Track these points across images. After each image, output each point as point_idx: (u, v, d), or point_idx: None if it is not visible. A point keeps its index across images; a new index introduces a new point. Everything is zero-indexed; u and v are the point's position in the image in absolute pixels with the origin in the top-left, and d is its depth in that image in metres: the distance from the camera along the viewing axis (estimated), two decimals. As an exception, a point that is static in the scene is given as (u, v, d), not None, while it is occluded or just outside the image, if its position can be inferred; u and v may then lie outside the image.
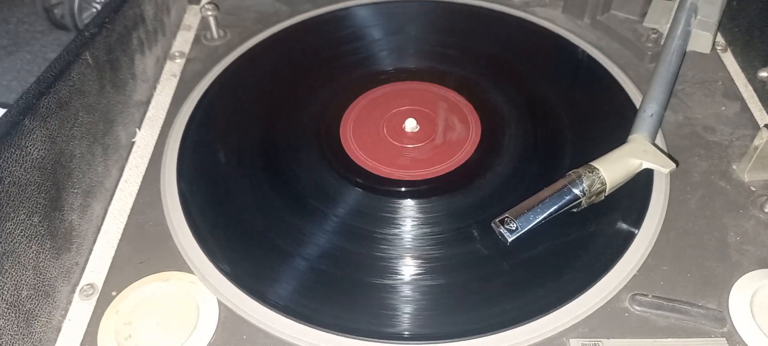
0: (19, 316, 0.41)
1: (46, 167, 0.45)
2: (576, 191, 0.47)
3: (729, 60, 0.67)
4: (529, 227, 0.46)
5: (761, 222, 0.50)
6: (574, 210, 0.48)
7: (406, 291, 0.46)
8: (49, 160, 0.46)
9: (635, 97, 0.61)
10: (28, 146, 0.43)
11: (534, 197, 0.47)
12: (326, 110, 0.62)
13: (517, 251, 0.47)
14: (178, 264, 0.48)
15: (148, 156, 0.58)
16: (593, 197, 0.48)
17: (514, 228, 0.46)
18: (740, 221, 0.50)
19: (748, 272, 0.46)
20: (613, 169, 0.48)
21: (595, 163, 0.49)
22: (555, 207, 0.47)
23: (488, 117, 0.60)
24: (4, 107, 0.61)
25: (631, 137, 0.53)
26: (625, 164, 0.49)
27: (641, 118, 0.54)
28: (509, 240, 0.46)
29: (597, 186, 0.48)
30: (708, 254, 0.47)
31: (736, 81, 0.64)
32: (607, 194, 0.49)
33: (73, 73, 0.50)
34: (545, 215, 0.46)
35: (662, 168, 0.50)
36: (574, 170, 0.49)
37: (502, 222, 0.46)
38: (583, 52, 0.68)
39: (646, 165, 0.50)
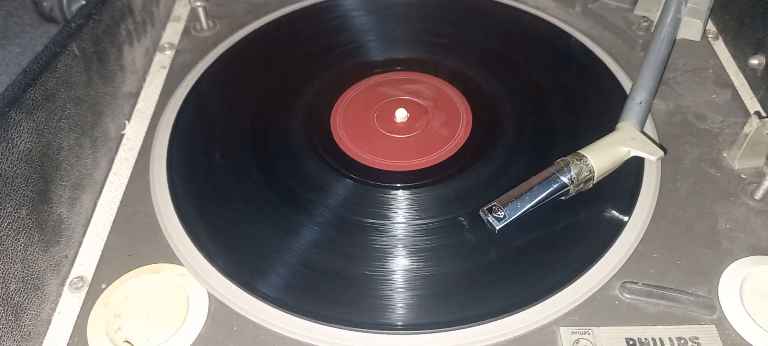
0: (7, 309, 0.41)
1: (33, 160, 0.45)
2: (564, 179, 0.47)
3: (720, 48, 0.67)
4: (517, 215, 0.46)
5: (751, 209, 0.50)
6: (563, 198, 0.48)
7: (397, 281, 0.46)
8: (37, 153, 0.45)
9: (626, 85, 0.61)
10: (14, 138, 0.43)
11: (522, 185, 0.47)
12: (316, 101, 0.62)
13: (508, 240, 0.47)
14: (168, 256, 0.48)
15: (138, 148, 0.57)
16: (581, 185, 0.48)
17: (502, 216, 0.46)
18: (730, 209, 0.50)
19: (737, 259, 0.46)
20: (601, 156, 0.48)
21: (583, 151, 0.49)
22: (543, 195, 0.47)
23: (479, 106, 0.60)
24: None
25: (619, 125, 0.53)
26: (613, 152, 0.49)
27: (630, 106, 0.54)
28: (497, 228, 0.46)
29: (585, 174, 0.48)
30: (698, 241, 0.47)
31: (727, 69, 0.64)
32: (595, 181, 0.49)
33: (59, 64, 0.50)
34: (533, 202, 0.46)
35: (650, 156, 0.50)
36: (562, 158, 0.48)
37: (490, 210, 0.46)
38: (575, 40, 0.68)
39: (633, 153, 0.50)
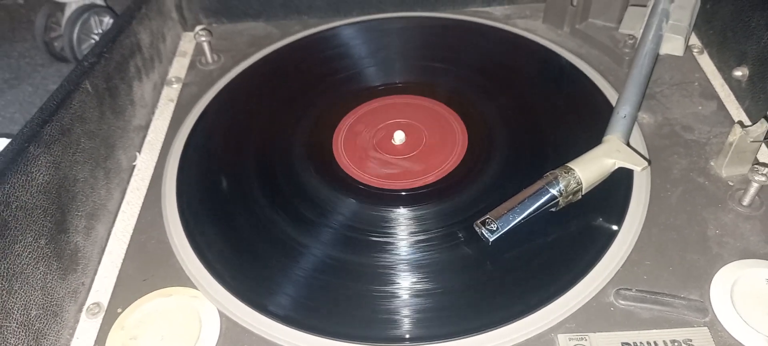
0: (28, 335, 0.42)
1: (51, 192, 0.47)
2: (553, 191, 0.49)
3: (705, 61, 0.69)
4: (508, 227, 0.47)
5: (740, 215, 0.51)
6: (553, 210, 0.50)
7: (400, 296, 0.47)
8: (54, 185, 0.48)
9: (615, 99, 0.63)
10: (33, 172, 0.45)
11: (514, 198, 0.49)
12: (318, 126, 0.64)
13: (504, 252, 0.49)
14: (181, 279, 0.49)
15: (149, 178, 0.60)
16: (570, 197, 0.50)
17: (494, 228, 0.47)
18: (720, 215, 0.51)
19: (728, 263, 0.47)
20: (588, 169, 0.50)
21: (570, 164, 0.50)
22: (534, 207, 0.48)
23: (474, 126, 0.62)
24: (8, 138, 0.63)
25: (605, 138, 0.54)
26: (600, 164, 0.51)
27: (615, 120, 0.56)
28: (491, 240, 0.47)
29: (573, 186, 0.49)
30: (689, 247, 0.49)
31: (712, 81, 0.66)
32: (583, 193, 0.50)
33: (74, 101, 0.52)
34: (524, 214, 0.48)
35: (635, 166, 0.51)
36: (551, 172, 0.50)
37: (483, 223, 0.48)
38: (564, 60, 0.70)
39: (619, 164, 0.51)
